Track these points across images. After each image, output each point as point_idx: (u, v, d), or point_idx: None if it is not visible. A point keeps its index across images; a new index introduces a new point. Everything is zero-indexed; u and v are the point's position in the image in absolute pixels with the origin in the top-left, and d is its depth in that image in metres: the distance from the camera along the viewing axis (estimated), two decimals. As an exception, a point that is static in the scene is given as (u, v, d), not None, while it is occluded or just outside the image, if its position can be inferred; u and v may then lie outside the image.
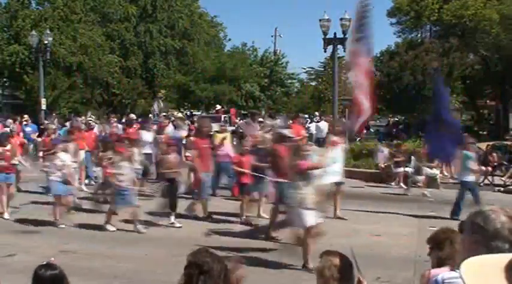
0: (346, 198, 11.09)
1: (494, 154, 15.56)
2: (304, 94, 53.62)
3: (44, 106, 25.08)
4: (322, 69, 53.25)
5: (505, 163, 15.33)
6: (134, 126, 14.94)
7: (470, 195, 10.28)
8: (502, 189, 13.89)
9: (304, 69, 66.59)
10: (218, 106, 30.92)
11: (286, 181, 7.75)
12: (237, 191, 10.07)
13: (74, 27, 33.76)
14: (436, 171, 14.22)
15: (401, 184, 14.22)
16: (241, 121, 30.84)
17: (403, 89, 28.09)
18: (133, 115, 18.38)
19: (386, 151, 15.41)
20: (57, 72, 31.65)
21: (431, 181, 14.17)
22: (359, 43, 7.23)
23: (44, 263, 3.24)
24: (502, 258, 1.80)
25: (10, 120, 23.43)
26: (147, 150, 12.62)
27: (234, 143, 14.16)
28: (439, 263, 3.43)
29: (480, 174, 14.92)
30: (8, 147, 10.22)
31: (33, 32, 26.25)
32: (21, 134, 15.65)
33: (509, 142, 18.05)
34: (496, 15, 28.03)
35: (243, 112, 42.36)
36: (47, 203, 10.40)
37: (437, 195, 12.95)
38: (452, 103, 31.23)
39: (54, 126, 14.90)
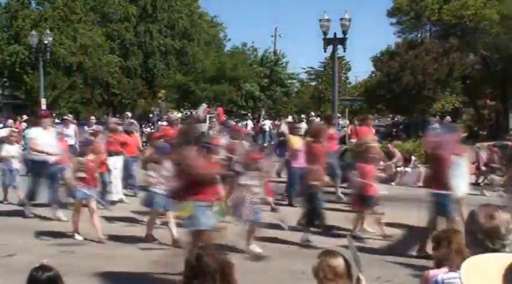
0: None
1: (495, 154, 15.50)
2: (304, 94, 53.69)
3: (44, 106, 25.07)
4: (322, 69, 53.33)
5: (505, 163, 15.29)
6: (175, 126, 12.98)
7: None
8: (502, 188, 13.85)
9: (304, 69, 66.65)
10: (205, 106, 30.75)
11: (447, 192, 7.44)
12: (358, 204, 8.75)
13: (74, 27, 33.80)
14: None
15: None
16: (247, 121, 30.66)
17: (403, 89, 28.07)
18: (174, 115, 15.57)
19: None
20: (57, 72, 31.69)
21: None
22: None
23: (38, 265, 3.20)
24: (502, 258, 1.80)
25: (11, 120, 23.50)
26: None
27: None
28: (437, 264, 3.43)
29: (480, 173, 14.97)
30: (91, 156, 8.60)
31: (33, 32, 26.26)
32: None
33: (509, 142, 17.98)
34: (496, 15, 28.06)
35: (242, 112, 42.35)
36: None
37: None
38: (452, 103, 31.38)
39: (101, 128, 13.29)
